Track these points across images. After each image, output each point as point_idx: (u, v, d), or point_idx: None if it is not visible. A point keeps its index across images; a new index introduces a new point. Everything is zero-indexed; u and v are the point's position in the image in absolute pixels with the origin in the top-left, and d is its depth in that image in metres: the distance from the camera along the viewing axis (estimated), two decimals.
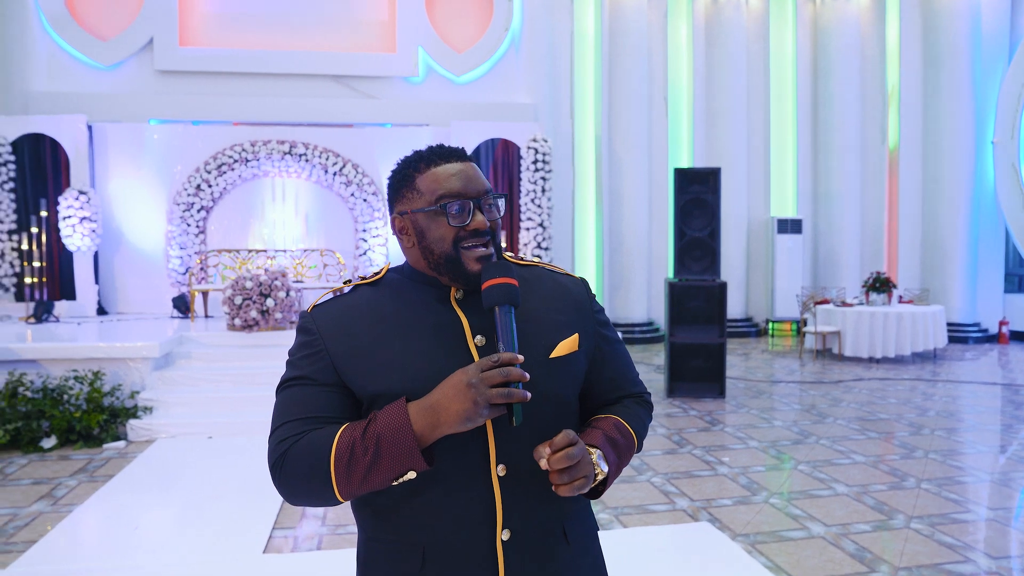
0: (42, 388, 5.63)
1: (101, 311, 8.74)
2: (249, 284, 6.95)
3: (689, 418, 6.39)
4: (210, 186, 9.31)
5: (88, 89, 9.32)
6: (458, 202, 1.20)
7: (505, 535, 1.19)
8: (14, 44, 9.27)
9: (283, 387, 1.24)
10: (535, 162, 9.16)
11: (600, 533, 1.43)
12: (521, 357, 1.10)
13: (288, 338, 6.89)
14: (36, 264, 8.26)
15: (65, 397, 5.65)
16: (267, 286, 7.00)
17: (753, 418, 6.37)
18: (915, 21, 11.47)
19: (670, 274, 10.35)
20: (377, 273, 1.33)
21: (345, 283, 1.34)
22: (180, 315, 8.59)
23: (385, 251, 9.87)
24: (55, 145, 8.48)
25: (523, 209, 9.24)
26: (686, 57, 11.61)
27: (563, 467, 1.10)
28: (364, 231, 9.83)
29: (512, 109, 10.20)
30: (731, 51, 11.42)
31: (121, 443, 5.63)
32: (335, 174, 9.69)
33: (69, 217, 8.22)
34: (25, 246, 8.26)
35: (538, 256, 9.15)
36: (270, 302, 6.92)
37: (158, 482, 4.82)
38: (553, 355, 1.23)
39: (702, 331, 7.03)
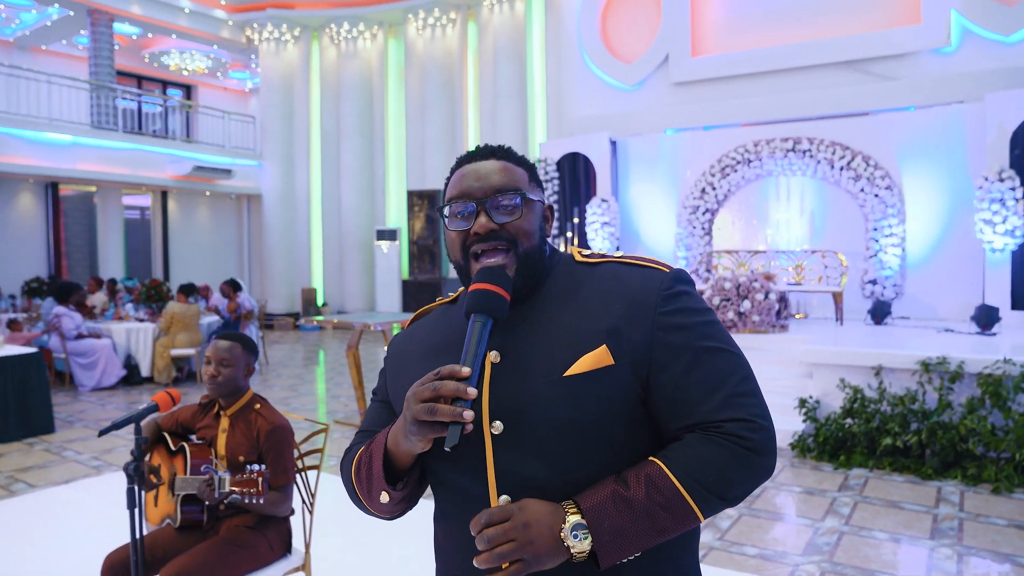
0: None
1: None
2: (727, 285, 7.05)
3: None
4: (714, 188, 9.66)
5: (612, 109, 10.61)
6: (459, 204, 1.10)
7: None
8: (567, 80, 11.24)
9: None
10: None
11: None
12: (466, 370, 0.96)
13: (768, 341, 6.79)
14: None
15: None
16: (746, 288, 6.99)
17: None
18: None
19: None
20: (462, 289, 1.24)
21: (439, 300, 1.28)
22: None
23: (900, 251, 8.80)
24: (586, 161, 9.92)
25: None
26: None
27: (485, 550, 0.93)
28: (875, 230, 8.93)
29: None
30: None
31: None
32: (842, 169, 9.04)
33: (593, 222, 9.54)
34: (562, 249, 9.90)
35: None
36: (746, 304, 6.91)
37: None
38: (568, 373, 1.01)
39: None
